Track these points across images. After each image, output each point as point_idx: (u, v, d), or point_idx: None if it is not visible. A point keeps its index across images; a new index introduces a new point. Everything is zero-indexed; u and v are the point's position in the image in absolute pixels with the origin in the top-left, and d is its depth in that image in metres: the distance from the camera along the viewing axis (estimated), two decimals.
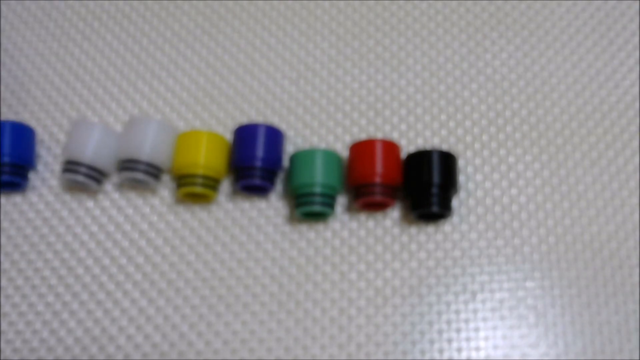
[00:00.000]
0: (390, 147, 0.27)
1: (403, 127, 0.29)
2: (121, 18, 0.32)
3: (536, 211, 0.28)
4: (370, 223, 0.28)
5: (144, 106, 0.30)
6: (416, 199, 0.27)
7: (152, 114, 0.30)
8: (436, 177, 0.26)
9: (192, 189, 0.27)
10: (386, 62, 0.31)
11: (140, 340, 0.26)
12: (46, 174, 0.29)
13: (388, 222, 0.28)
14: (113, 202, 0.28)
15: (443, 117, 0.30)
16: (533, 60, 0.31)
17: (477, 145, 0.29)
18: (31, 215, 0.28)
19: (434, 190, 0.26)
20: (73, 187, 0.28)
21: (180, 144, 0.27)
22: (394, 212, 0.28)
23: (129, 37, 0.31)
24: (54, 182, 0.29)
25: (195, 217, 0.28)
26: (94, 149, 0.27)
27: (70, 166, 0.27)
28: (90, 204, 0.28)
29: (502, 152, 0.29)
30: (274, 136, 0.27)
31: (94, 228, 0.28)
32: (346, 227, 0.28)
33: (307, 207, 0.26)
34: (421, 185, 0.26)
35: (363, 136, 0.29)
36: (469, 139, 0.29)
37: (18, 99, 0.30)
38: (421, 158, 0.27)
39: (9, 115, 0.30)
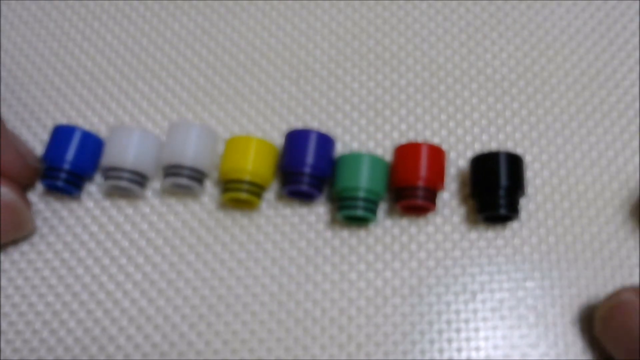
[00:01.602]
0: (436, 152, 0.27)
1: (403, 127, 0.29)
2: (121, 18, 0.32)
3: (536, 211, 0.28)
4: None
5: (144, 106, 0.30)
6: (484, 202, 0.26)
7: (151, 114, 0.30)
8: (504, 180, 0.26)
9: (237, 195, 0.27)
10: (386, 62, 0.31)
11: (140, 340, 0.26)
12: None
13: (388, 223, 0.28)
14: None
15: (443, 117, 0.30)
16: (533, 60, 0.31)
17: (477, 146, 0.29)
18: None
19: (502, 192, 0.26)
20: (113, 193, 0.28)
21: (228, 149, 0.27)
22: (395, 212, 0.28)
23: (129, 37, 0.31)
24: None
25: (200, 215, 0.28)
26: (135, 153, 0.27)
27: (113, 172, 0.27)
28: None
29: None
30: (325, 143, 0.27)
31: (94, 228, 0.28)
32: (346, 227, 0.28)
33: (351, 211, 0.26)
34: (489, 188, 0.26)
35: (363, 137, 0.29)
36: (468, 139, 0.29)
37: (18, 99, 0.30)
38: (489, 160, 0.27)
39: (8, 116, 0.30)
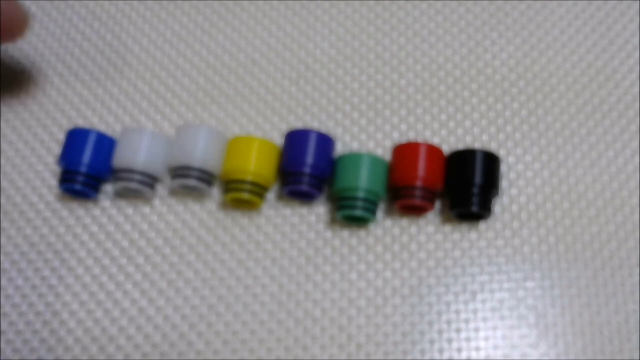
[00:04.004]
0: (435, 152, 0.27)
1: (403, 127, 0.29)
2: (121, 18, 0.32)
3: (536, 211, 0.28)
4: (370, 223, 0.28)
5: (143, 106, 0.30)
6: (456, 198, 0.26)
7: (151, 114, 0.30)
8: (478, 177, 0.26)
9: (239, 195, 0.27)
10: (386, 62, 0.31)
11: (140, 340, 0.26)
12: (46, 174, 0.29)
13: (388, 222, 0.28)
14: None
15: (443, 117, 0.30)
16: (533, 60, 0.31)
17: (477, 145, 0.29)
18: (31, 215, 0.28)
19: (475, 190, 0.26)
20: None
21: (231, 149, 0.27)
22: (394, 212, 0.28)
23: (129, 37, 0.31)
24: (53, 181, 0.29)
25: (199, 215, 0.28)
26: (146, 155, 0.27)
27: (124, 174, 0.27)
28: (87, 207, 0.28)
29: (502, 152, 0.29)
30: (325, 143, 0.27)
31: (94, 228, 0.28)
32: (346, 227, 0.28)
33: (350, 211, 0.26)
34: (462, 185, 0.26)
35: (363, 137, 0.29)
36: (468, 139, 0.29)
37: (18, 99, 0.30)
38: (464, 157, 0.27)
39: (9, 116, 0.30)
